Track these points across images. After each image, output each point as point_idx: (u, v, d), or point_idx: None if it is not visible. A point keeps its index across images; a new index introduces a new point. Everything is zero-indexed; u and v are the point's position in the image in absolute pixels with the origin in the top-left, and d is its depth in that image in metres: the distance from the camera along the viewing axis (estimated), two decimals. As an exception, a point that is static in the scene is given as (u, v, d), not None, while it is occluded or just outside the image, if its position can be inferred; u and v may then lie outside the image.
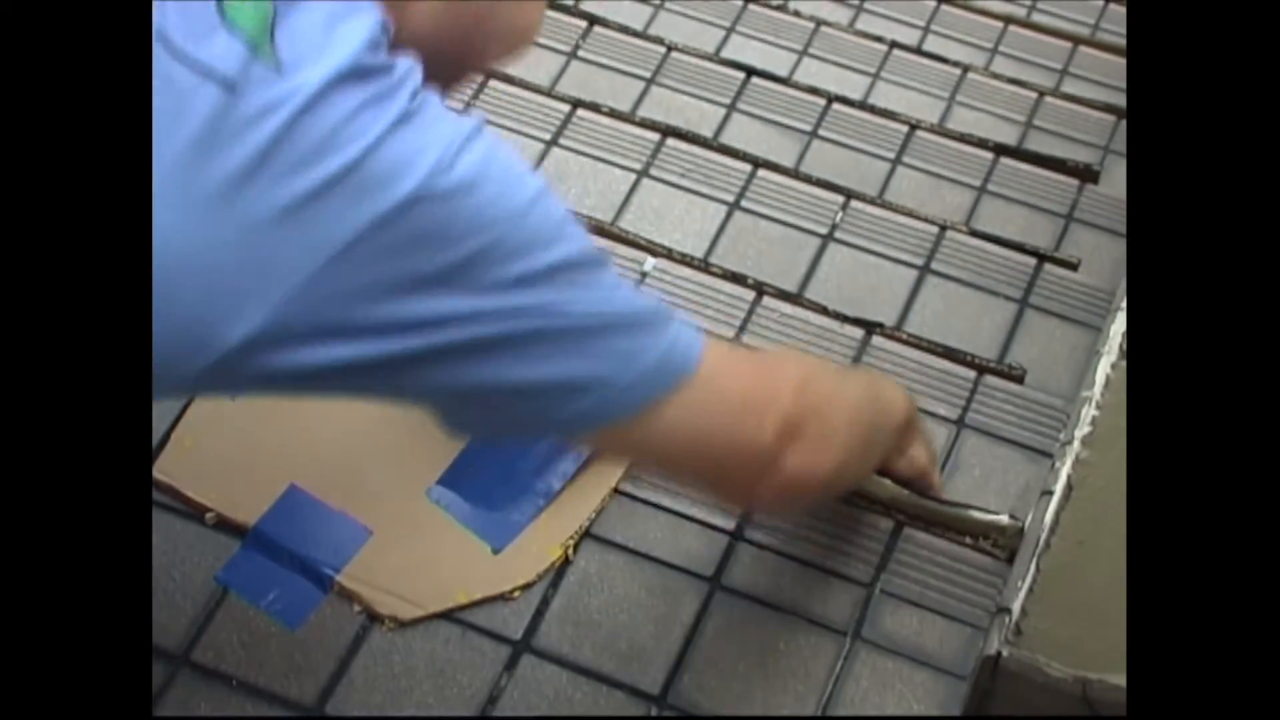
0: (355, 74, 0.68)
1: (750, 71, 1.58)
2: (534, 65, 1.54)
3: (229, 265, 0.66)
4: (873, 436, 0.98)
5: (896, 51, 1.70)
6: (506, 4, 0.82)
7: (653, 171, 1.42)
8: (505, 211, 0.70)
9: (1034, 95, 1.66)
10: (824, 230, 1.38)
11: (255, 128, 0.66)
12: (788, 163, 1.47)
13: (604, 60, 1.58)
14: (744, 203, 1.40)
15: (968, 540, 1.10)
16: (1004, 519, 1.10)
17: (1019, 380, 1.25)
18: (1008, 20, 1.82)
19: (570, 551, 1.08)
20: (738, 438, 0.82)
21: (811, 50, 1.69)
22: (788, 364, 0.90)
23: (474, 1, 0.80)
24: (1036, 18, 1.85)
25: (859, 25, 1.75)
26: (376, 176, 0.67)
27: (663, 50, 1.60)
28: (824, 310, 1.28)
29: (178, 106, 0.65)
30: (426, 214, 0.68)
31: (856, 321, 1.27)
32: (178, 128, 0.65)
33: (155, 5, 0.67)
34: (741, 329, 1.26)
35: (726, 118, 1.53)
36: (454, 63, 0.77)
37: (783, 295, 1.29)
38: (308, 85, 0.66)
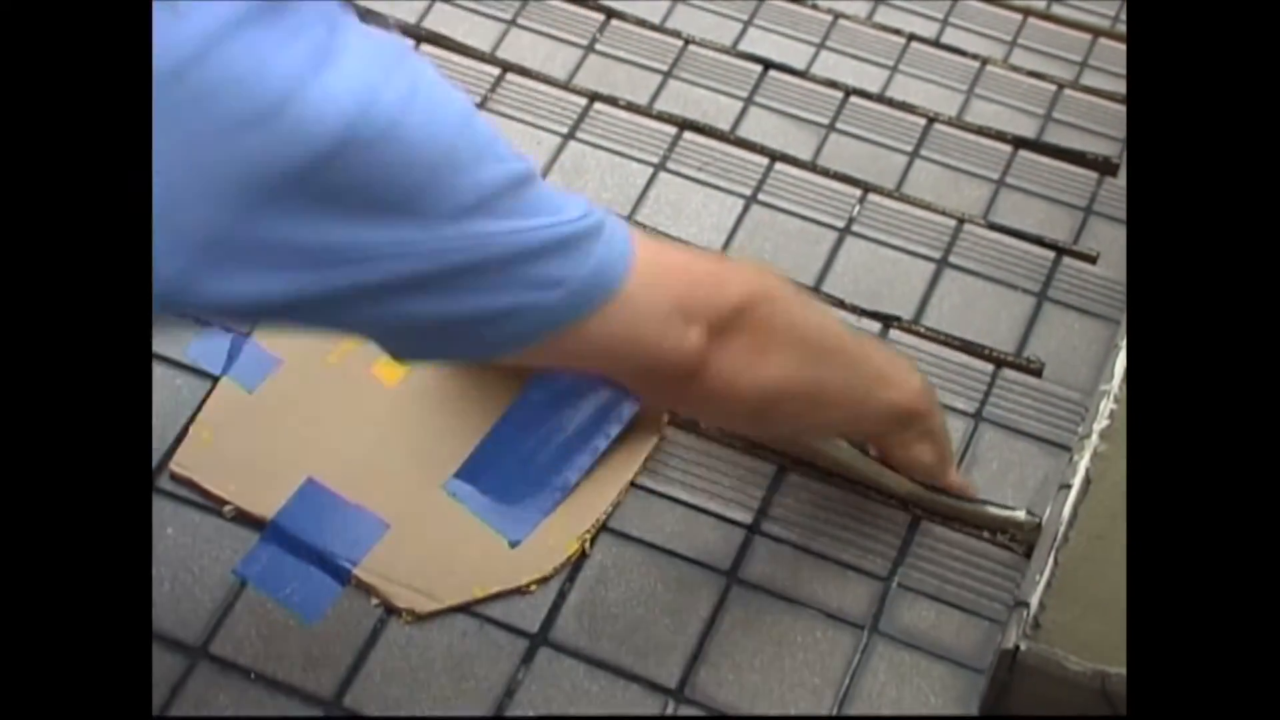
0: (263, 10, 0.63)
1: (768, 64, 1.58)
2: (551, 58, 1.54)
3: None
4: (841, 381, 0.95)
5: (915, 44, 1.69)
6: None
7: (670, 165, 1.42)
8: (432, 146, 0.68)
9: (1053, 88, 1.65)
10: (841, 223, 1.38)
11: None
12: (805, 156, 1.47)
13: (621, 53, 1.58)
14: (761, 196, 1.40)
15: (985, 534, 1.10)
16: (1021, 513, 1.10)
17: (1037, 374, 1.24)
18: (1027, 12, 1.81)
19: (587, 545, 1.08)
20: (662, 345, 0.82)
21: (829, 43, 1.68)
22: (749, 277, 0.87)
23: None
24: (1056, 10, 1.84)
25: (877, 18, 1.74)
26: (295, 124, 0.63)
27: (680, 43, 1.60)
28: (841, 303, 1.28)
29: None
30: (351, 159, 0.65)
31: (874, 315, 1.27)
32: None
33: None
34: (759, 322, 1.26)
35: (744, 111, 1.53)
36: None
37: (800, 289, 1.29)
38: (207, 26, 0.61)
